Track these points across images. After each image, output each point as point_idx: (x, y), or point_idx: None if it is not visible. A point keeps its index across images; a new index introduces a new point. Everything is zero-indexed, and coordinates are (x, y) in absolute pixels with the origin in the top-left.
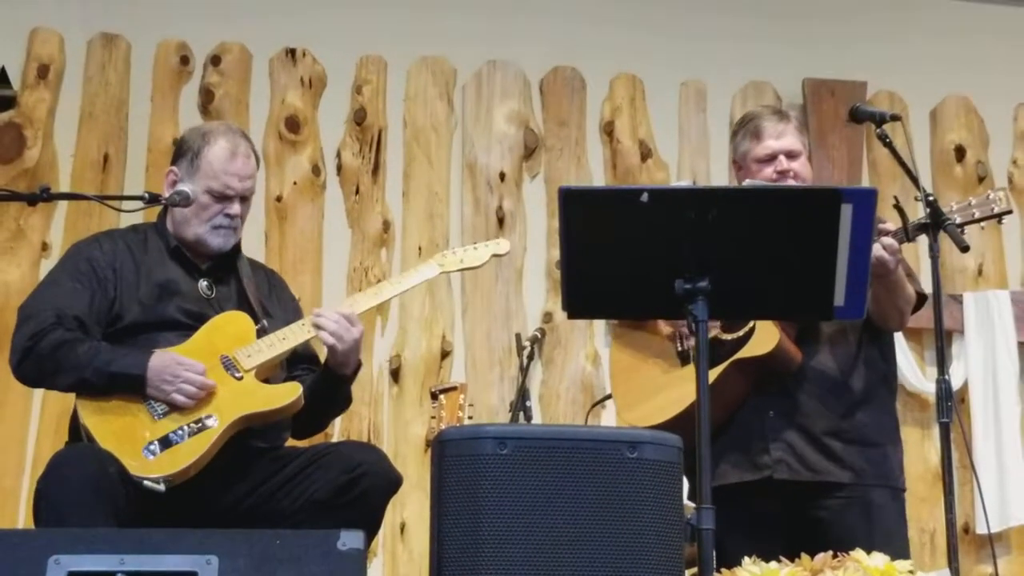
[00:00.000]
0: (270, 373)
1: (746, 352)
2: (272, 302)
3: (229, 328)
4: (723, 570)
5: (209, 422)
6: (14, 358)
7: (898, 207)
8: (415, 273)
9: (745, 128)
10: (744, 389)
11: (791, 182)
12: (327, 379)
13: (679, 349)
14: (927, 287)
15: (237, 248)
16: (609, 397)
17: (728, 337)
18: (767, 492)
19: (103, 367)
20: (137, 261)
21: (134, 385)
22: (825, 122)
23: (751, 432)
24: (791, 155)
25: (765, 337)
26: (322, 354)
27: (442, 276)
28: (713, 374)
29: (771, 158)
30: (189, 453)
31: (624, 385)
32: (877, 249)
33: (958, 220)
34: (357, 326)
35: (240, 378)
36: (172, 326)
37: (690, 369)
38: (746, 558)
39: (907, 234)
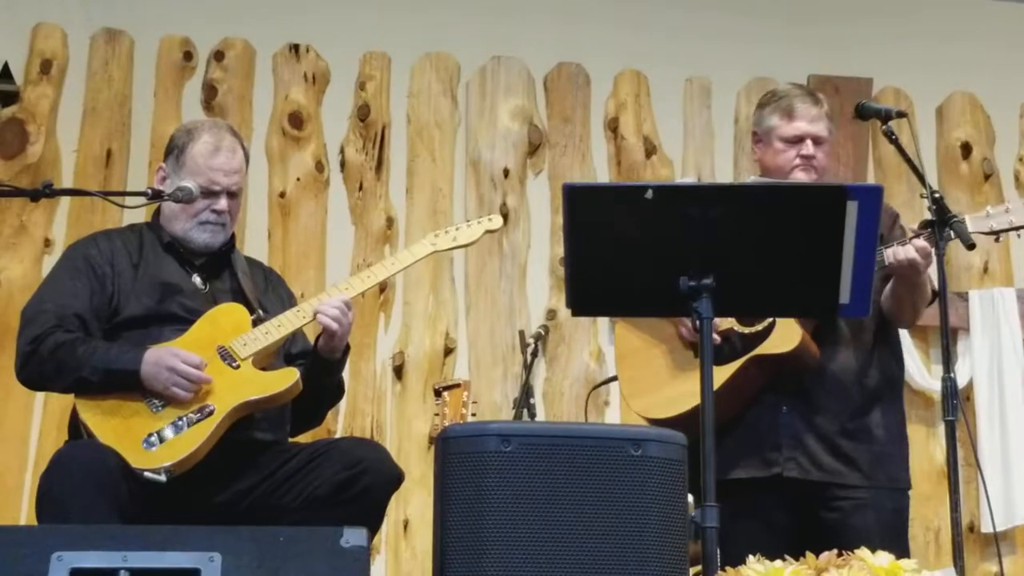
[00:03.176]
0: (267, 361)
1: (767, 348)
2: (268, 298)
3: (225, 319)
4: (728, 568)
5: (208, 411)
6: (18, 362)
7: (937, 201)
8: (408, 254)
9: (777, 103)
10: (759, 384)
11: (810, 172)
12: (318, 366)
13: (689, 340)
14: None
15: (231, 243)
16: (613, 379)
17: (746, 331)
18: (775, 489)
19: (100, 365)
20: (133, 257)
21: (130, 381)
22: (830, 119)
23: (763, 428)
24: (818, 141)
25: (786, 334)
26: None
27: (446, 274)
28: (730, 370)
29: (798, 140)
30: (189, 442)
31: (632, 370)
32: (909, 251)
33: (970, 227)
34: (352, 311)
35: (237, 367)
36: (170, 320)
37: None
38: (751, 556)
39: (940, 232)
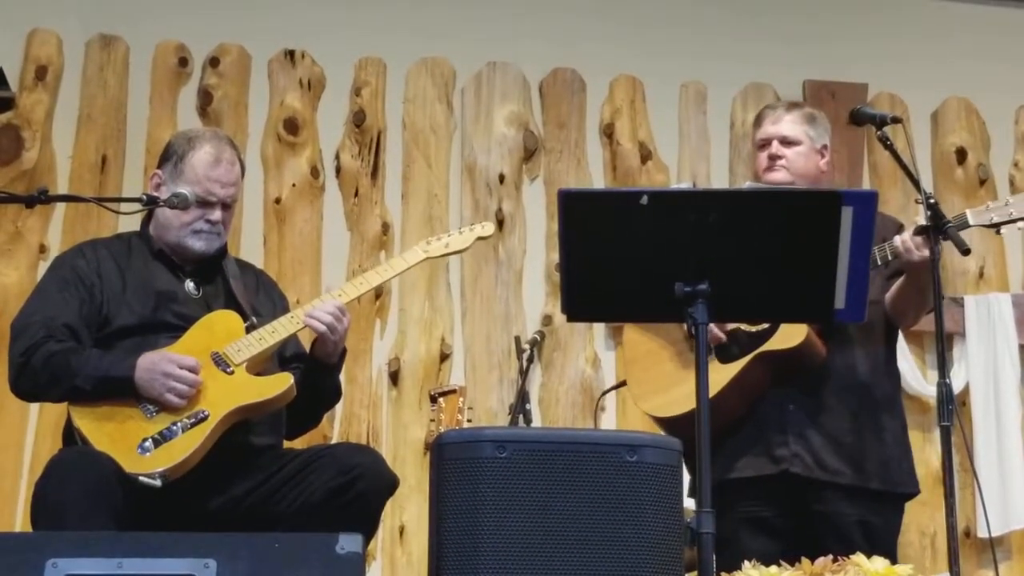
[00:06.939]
0: (261, 367)
1: (772, 345)
2: (261, 301)
3: (219, 326)
4: (723, 573)
5: (202, 416)
6: (11, 375)
7: (932, 206)
8: (400, 260)
9: (756, 116)
10: (765, 382)
11: (778, 172)
12: (315, 370)
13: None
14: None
15: (223, 250)
16: (622, 385)
17: (751, 329)
18: (781, 486)
19: (93, 373)
20: (121, 266)
21: (124, 388)
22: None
23: (769, 425)
24: (785, 142)
25: (792, 330)
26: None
27: (442, 279)
28: (737, 367)
29: (766, 143)
30: (184, 447)
31: (641, 372)
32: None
33: (971, 221)
34: (347, 316)
35: (231, 373)
36: (162, 328)
37: (710, 362)
38: (746, 562)
39: (936, 232)
